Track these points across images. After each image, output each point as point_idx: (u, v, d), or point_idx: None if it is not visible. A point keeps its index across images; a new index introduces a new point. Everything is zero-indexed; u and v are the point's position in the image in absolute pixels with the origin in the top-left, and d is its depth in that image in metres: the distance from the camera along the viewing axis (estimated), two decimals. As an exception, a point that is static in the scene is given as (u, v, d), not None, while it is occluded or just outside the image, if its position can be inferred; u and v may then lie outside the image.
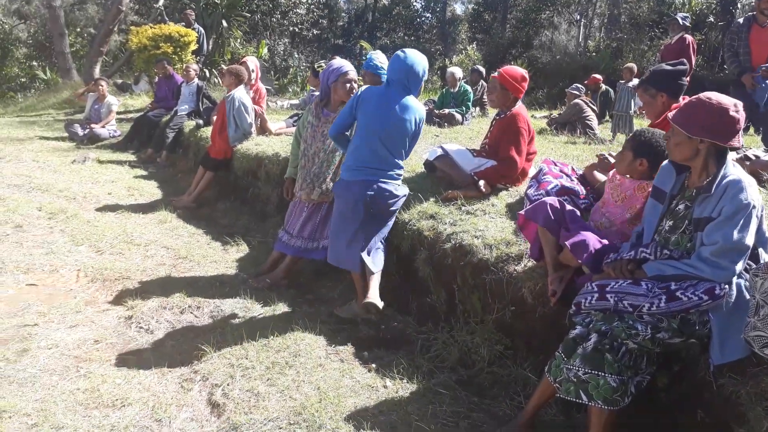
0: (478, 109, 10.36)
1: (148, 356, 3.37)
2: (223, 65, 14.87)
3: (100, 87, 9.53)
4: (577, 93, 9.26)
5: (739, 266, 2.27)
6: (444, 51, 21.02)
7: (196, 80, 8.65)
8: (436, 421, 2.72)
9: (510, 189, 4.21)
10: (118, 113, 10.56)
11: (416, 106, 3.72)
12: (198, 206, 6.31)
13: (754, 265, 2.26)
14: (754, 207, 2.27)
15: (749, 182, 2.32)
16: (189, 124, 8.35)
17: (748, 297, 2.21)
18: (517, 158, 4.09)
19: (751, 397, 2.14)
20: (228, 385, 3.06)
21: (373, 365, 3.31)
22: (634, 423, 2.54)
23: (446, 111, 8.82)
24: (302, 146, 4.32)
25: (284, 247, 4.43)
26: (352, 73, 4.14)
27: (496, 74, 4.14)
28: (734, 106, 2.36)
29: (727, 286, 2.26)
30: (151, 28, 11.58)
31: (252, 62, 7.30)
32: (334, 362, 3.35)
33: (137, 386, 3.04)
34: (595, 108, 9.32)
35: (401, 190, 3.83)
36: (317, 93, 5.48)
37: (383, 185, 3.69)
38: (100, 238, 5.06)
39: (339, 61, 4.27)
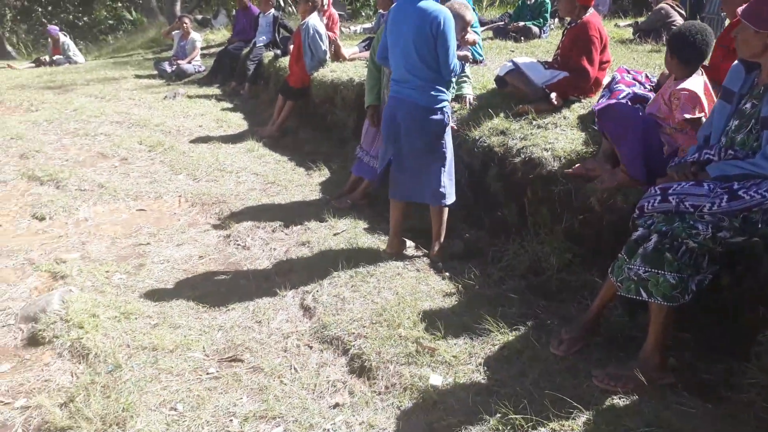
0: (557, 20, 9.92)
1: (246, 268, 3.78)
2: (296, -7, 14.93)
3: (185, 24, 9.93)
4: (664, -5, 8.63)
5: (806, 164, 2.26)
6: (522, -41, 19.87)
7: (272, 10, 8.82)
8: (506, 320, 2.94)
9: (583, 100, 4.18)
10: (201, 48, 10.99)
11: (430, 9, 3.38)
12: (281, 135, 6.65)
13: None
14: (822, 102, 2.24)
15: (818, 76, 2.27)
16: (268, 55, 8.61)
17: (815, 195, 2.21)
18: (589, 68, 4.04)
19: (813, 292, 2.20)
20: (317, 291, 3.41)
21: (447, 273, 3.56)
22: (697, 319, 2.65)
23: (522, 24, 8.54)
24: (387, 71, 4.22)
25: (362, 171, 4.67)
26: None
27: None
28: None
29: (792, 185, 2.27)
30: (225, -40, 11.75)
31: (324, -12, 7.35)
32: (411, 271, 3.62)
33: (239, 293, 3.46)
34: (683, 12, 8.69)
35: (438, 102, 3.54)
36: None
37: (412, 99, 3.52)
38: (195, 167, 5.52)
39: None
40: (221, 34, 12.93)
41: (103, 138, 6.37)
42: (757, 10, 2.32)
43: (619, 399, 2.35)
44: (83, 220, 4.42)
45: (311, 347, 2.98)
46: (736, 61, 2.57)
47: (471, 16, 3.83)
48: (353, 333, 3.00)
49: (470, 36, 3.90)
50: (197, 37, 10.21)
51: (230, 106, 8.14)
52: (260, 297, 3.44)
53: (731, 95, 2.53)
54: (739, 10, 2.39)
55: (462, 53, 3.70)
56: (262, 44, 8.72)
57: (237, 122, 7.34)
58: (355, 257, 3.75)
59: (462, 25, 3.71)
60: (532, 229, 3.63)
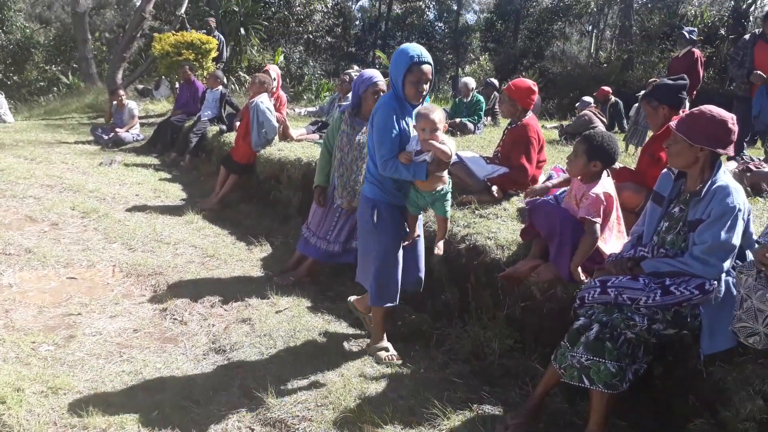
0: (489, 118, 10.62)
1: (183, 344, 3.65)
2: (240, 72, 15.26)
3: (119, 97, 9.91)
4: (585, 104, 9.50)
5: (727, 264, 2.52)
6: (456, 60, 21.32)
7: (219, 87, 8.98)
8: (452, 405, 2.96)
9: (521, 194, 4.46)
10: (140, 118, 10.92)
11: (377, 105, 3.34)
12: (222, 207, 6.60)
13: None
14: (740, 210, 2.53)
15: (736, 188, 2.58)
16: (212, 130, 8.68)
17: (735, 293, 2.45)
18: (527, 166, 4.34)
19: (737, 383, 2.38)
20: (259, 371, 3.33)
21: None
22: (632, 408, 2.78)
23: (458, 120, 9.09)
24: (338, 155, 4.32)
25: (307, 249, 4.69)
26: (381, 84, 4.17)
27: (505, 87, 4.42)
28: (731, 119, 2.62)
29: (715, 282, 2.51)
30: (173, 35, 11.95)
31: (274, 70, 7.62)
32: (356, 353, 3.61)
33: (176, 371, 3.32)
34: (604, 119, 9.56)
35: (368, 194, 3.40)
36: (343, 101, 5.75)
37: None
38: (131, 236, 5.37)
39: (370, 72, 4.31)
40: (162, 105, 12.92)
41: (32, 201, 6.11)
42: (692, 124, 2.62)
43: (564, 486, 2.40)
44: (7, 286, 4.17)
45: (253, 430, 2.88)
46: (665, 169, 2.87)
47: (438, 117, 3.15)
48: (297, 416, 2.93)
49: (435, 141, 3.15)
50: (134, 105, 10.18)
51: (169, 176, 8.05)
52: (198, 375, 3.31)
53: (661, 199, 2.81)
54: (672, 123, 2.70)
55: (421, 158, 3.17)
56: (207, 118, 8.80)
57: (175, 193, 7.25)
58: (299, 336, 3.72)
59: (424, 125, 3.13)
60: (475, 314, 3.74)
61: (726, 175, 2.66)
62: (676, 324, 2.54)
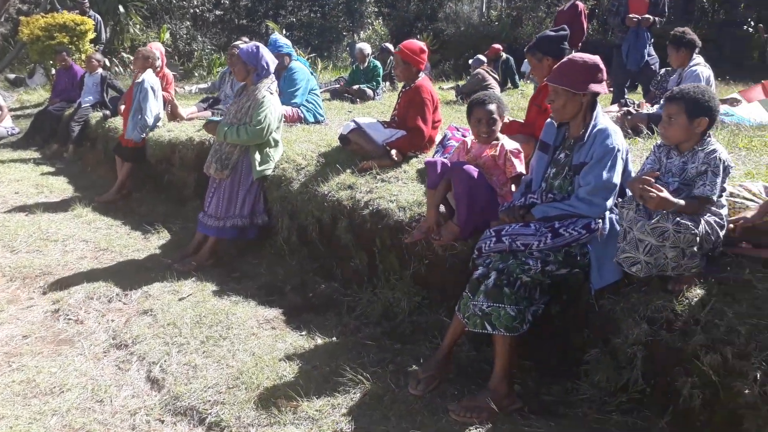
0: (388, 83, 10.62)
1: (81, 344, 3.44)
2: (123, 53, 14.32)
3: None
4: (478, 63, 9.70)
5: (610, 202, 2.66)
6: (352, 27, 21.05)
7: (99, 70, 8.38)
8: (366, 367, 2.98)
9: (419, 156, 4.49)
10: (14, 109, 10.04)
11: None
12: (122, 198, 6.24)
13: (622, 201, 2.65)
14: (618, 150, 2.66)
15: (614, 129, 2.71)
16: (95, 116, 8.11)
17: (618, 228, 2.59)
18: (423, 127, 4.37)
19: (624, 312, 2.54)
20: (165, 361, 3.20)
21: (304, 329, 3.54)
22: (535, 347, 2.91)
23: (357, 87, 9.02)
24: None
25: (204, 228, 4.57)
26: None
27: (396, 50, 4.40)
28: (598, 58, 2.73)
29: (600, 221, 2.65)
30: (42, 17, 10.98)
31: (156, 48, 7.18)
32: (267, 330, 3.55)
33: (74, 373, 3.13)
34: (496, 77, 9.81)
35: None
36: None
37: None
38: (13, 237, 4.96)
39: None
40: (38, 94, 11.93)
41: None
42: (570, 74, 2.70)
43: (476, 429, 2.49)
44: None
45: (163, 421, 2.77)
46: (548, 119, 2.97)
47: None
48: (209, 401, 2.85)
49: None
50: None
51: (52, 169, 7.49)
52: (99, 374, 3.14)
53: (547, 147, 2.91)
54: (550, 79, 2.75)
55: None
56: (88, 104, 8.21)
57: (60, 187, 6.75)
58: (205, 321, 3.60)
59: None
60: (383, 277, 3.77)
61: (604, 117, 2.78)
62: (568, 264, 2.67)
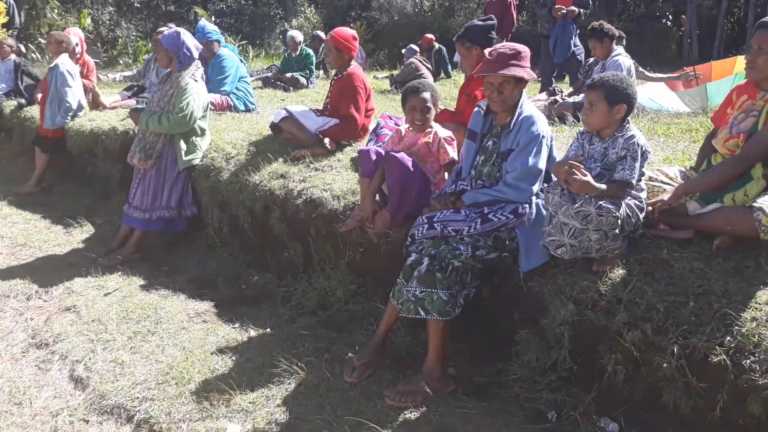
0: (322, 71, 10.52)
1: (-4, 345, 3.24)
2: (40, 39, 13.51)
3: None
4: (411, 53, 9.76)
5: (536, 187, 2.73)
6: (284, 15, 20.71)
7: (12, 56, 7.86)
8: (301, 357, 2.96)
9: (353, 144, 4.47)
10: None
11: None
12: (42, 191, 5.91)
13: (548, 186, 2.73)
14: (543, 137, 2.74)
15: (539, 116, 2.78)
16: (9, 105, 7.60)
17: (545, 213, 2.67)
18: (356, 115, 4.35)
19: (551, 293, 2.62)
20: (89, 359, 3.07)
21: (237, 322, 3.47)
22: (467, 330, 2.97)
23: (290, 75, 8.89)
24: None
25: (130, 221, 4.41)
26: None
27: (329, 37, 4.34)
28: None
29: (527, 206, 2.72)
30: (-54, -2, 10.21)
31: (75, 33, 6.80)
32: (197, 324, 3.45)
33: (-11, 375, 2.95)
34: (429, 66, 9.89)
35: None
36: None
37: None
38: None
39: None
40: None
41: None
42: (517, 63, 2.72)
43: (411, 413, 2.51)
44: None
45: (88, 421, 2.66)
46: (476, 108, 3.01)
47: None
48: (137, 398, 2.75)
49: None
50: None
51: (-39, 162, 7.01)
52: (17, 375, 2.97)
53: (475, 135, 2.96)
54: (497, 69, 2.71)
55: None
56: (1, 93, 7.69)
57: (-29, 180, 6.33)
58: (133, 317, 3.47)
59: None
60: (318, 266, 3.74)
61: (529, 105, 2.85)
62: (497, 248, 2.73)
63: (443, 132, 3.37)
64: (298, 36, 9.48)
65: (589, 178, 2.39)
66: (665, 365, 2.18)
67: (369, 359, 2.82)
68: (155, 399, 2.72)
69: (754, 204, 2.43)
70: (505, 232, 2.72)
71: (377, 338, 2.91)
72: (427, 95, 3.27)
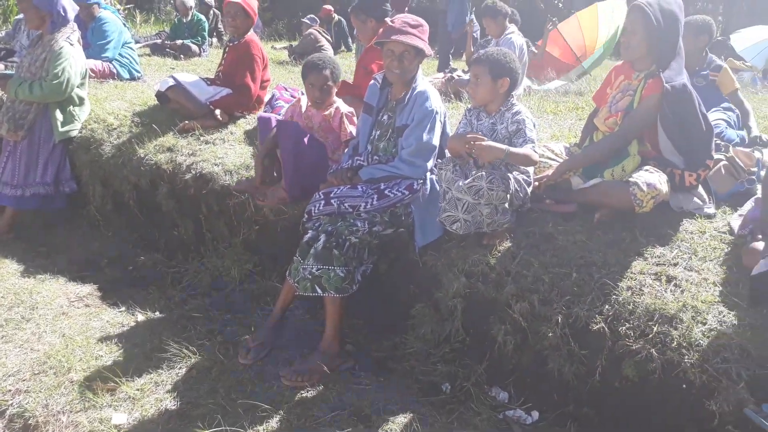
0: (215, 39, 10.05)
1: None
2: None
3: None
4: (310, 23, 9.54)
5: (430, 163, 2.76)
6: (174, -22, 19.56)
7: None
8: (192, 341, 2.84)
9: (247, 116, 4.31)
10: None
11: None
12: None
13: (442, 162, 2.76)
14: (437, 113, 2.76)
15: (432, 92, 2.80)
16: None
17: (438, 189, 2.70)
18: (252, 85, 4.17)
19: (445, 267, 2.67)
20: (-49, 352, 2.78)
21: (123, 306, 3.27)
22: (365, 306, 2.97)
23: (180, 42, 8.41)
24: None
25: (1, 199, 4.02)
26: None
27: (238, 0, 4.07)
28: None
29: (422, 182, 2.74)
30: None
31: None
32: (79, 308, 3.23)
33: None
34: (329, 38, 9.73)
35: None
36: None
37: None
38: None
39: None
40: None
41: None
42: (419, 35, 2.70)
43: (307, 392, 2.49)
44: None
45: (-52, 420, 2.42)
46: (372, 81, 2.98)
47: None
48: (9, 390, 2.56)
49: None
50: None
51: None
52: None
53: (371, 109, 2.92)
54: (403, 38, 2.66)
55: None
56: None
57: None
58: (4, 303, 3.18)
59: None
60: (211, 245, 3.60)
61: (424, 81, 2.85)
62: (393, 224, 2.74)
63: (345, 108, 3.31)
64: (189, 0, 8.96)
65: (492, 142, 2.45)
66: (550, 334, 2.30)
67: (265, 339, 2.77)
68: (30, 391, 2.53)
69: (630, 179, 2.60)
70: (401, 208, 2.73)
71: (273, 318, 2.85)
72: (327, 73, 3.17)
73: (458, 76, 6.02)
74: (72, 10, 4.09)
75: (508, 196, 2.53)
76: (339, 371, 2.62)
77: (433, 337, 2.64)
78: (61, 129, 4.06)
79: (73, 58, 4.00)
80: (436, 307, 2.65)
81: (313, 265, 2.61)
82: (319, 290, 2.60)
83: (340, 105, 3.32)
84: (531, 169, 2.73)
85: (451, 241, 2.74)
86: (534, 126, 2.70)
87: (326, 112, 3.28)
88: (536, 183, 2.79)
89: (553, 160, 3.02)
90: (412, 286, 2.83)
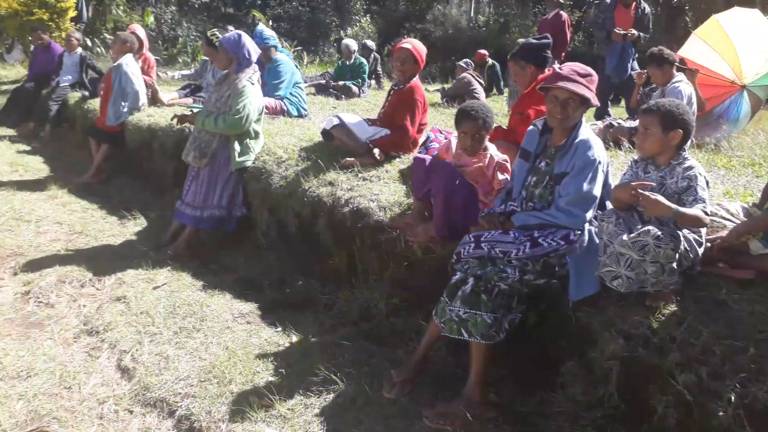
0: (374, 81, 10.60)
1: (50, 329, 3.37)
2: (106, 34, 14.05)
3: None
4: (465, 67, 9.73)
5: (589, 214, 2.68)
6: (339, 23, 20.97)
7: (79, 50, 8.20)
8: (340, 368, 2.96)
9: (402, 156, 4.48)
10: (-10, 84, 9.77)
11: None
12: (100, 181, 6.13)
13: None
14: (599, 163, 2.68)
15: (596, 141, 2.73)
16: (73, 96, 7.94)
17: (597, 241, 2.61)
18: (410, 128, 4.35)
19: (601, 326, 2.55)
20: (136, 350, 3.15)
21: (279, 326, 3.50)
22: (510, 356, 2.92)
23: (342, 83, 8.98)
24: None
25: (182, 217, 4.52)
26: None
27: (408, 46, 4.27)
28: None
29: (579, 232, 2.66)
30: (22, -9, 10.72)
31: (140, 31, 7.06)
32: (241, 324, 3.51)
33: (42, 357, 3.06)
34: (482, 82, 9.85)
35: None
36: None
37: None
38: (-16, 215, 4.84)
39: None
40: (16, 71, 11.64)
41: None
42: (586, 83, 2.67)
43: (449, 437, 2.49)
44: None
45: (132, 412, 2.73)
46: (531, 126, 2.98)
47: None
48: (180, 393, 2.81)
49: None
50: None
51: (28, 148, 7.33)
52: (69, 360, 3.08)
53: (528, 155, 2.92)
54: (568, 85, 2.64)
55: None
56: (67, 84, 8.03)
57: (36, 167, 6.61)
58: (179, 312, 3.55)
59: None
60: (362, 277, 3.75)
61: (586, 129, 2.80)
62: (546, 274, 2.68)
63: (499, 156, 3.29)
64: (353, 45, 9.58)
65: (662, 198, 2.33)
66: (721, 413, 2.08)
67: (408, 376, 2.81)
68: (197, 396, 2.77)
69: (823, 249, 2.33)
70: (555, 258, 2.67)
71: (418, 356, 2.89)
72: (480, 122, 3.17)
73: (618, 123, 5.79)
74: (255, 53, 4.57)
75: (677, 255, 2.38)
76: (482, 420, 2.59)
77: (584, 399, 2.51)
78: (237, 159, 4.51)
79: (253, 96, 4.46)
80: (589, 367, 2.53)
81: (460, 308, 2.62)
82: (465, 334, 2.61)
83: (494, 152, 3.31)
84: (703, 229, 2.55)
85: (608, 298, 2.61)
86: (707, 184, 2.53)
87: (479, 162, 3.30)
88: (709, 244, 2.60)
89: (729, 220, 2.79)
90: (563, 341, 2.73)
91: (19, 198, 5.37)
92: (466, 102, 3.47)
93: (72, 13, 11.07)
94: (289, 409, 2.67)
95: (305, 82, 9.16)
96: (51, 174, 6.33)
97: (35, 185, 5.82)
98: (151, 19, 15.72)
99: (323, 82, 9.47)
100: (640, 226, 2.41)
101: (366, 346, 3.25)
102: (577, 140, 2.72)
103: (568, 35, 8.60)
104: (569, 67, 2.75)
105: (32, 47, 9.61)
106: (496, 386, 2.85)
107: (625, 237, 2.38)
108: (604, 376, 2.44)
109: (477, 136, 3.21)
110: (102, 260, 4.25)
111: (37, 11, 10.40)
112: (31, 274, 3.92)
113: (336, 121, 4.60)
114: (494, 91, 11.11)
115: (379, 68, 11.17)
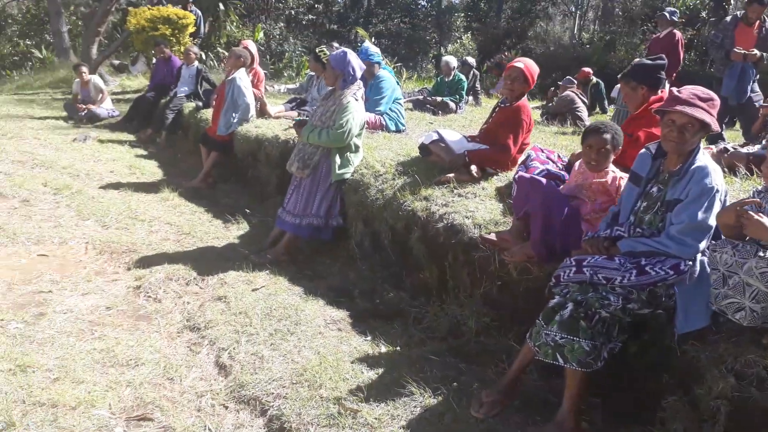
0: (471, 97, 10.57)
1: (157, 322, 3.60)
2: (219, 48, 14.98)
3: (82, 74, 9.48)
4: (567, 84, 9.50)
5: (703, 244, 2.52)
6: (439, 39, 21.13)
7: (196, 63, 8.79)
8: (428, 382, 2.95)
9: (500, 174, 4.43)
10: (116, 93, 10.65)
11: None
12: (208, 186, 6.52)
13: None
14: (717, 191, 2.52)
15: (714, 168, 2.57)
16: (188, 106, 8.51)
17: (709, 272, 2.45)
18: (511, 147, 4.29)
19: (709, 361, 2.39)
20: (234, 348, 3.29)
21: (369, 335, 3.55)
22: (607, 386, 2.79)
23: (440, 99, 9.03)
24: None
25: (282, 224, 4.70)
26: None
27: (520, 65, 4.26)
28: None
29: (690, 262, 2.51)
30: (149, 9, 11.66)
31: (252, 46, 7.47)
32: (333, 331, 3.58)
33: (149, 348, 3.27)
34: (585, 100, 9.57)
35: None
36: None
37: None
38: (105, 213, 5.26)
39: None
40: (138, 81, 12.66)
41: (2, 177, 5.95)
42: (708, 108, 2.55)
43: (538, 462, 2.41)
44: (-26, 263, 4.06)
45: (227, 407, 2.85)
46: (643, 149, 2.85)
47: None
48: (272, 393, 2.91)
49: None
50: (99, 80, 9.86)
51: (145, 153, 7.91)
52: (172, 353, 3.27)
53: (639, 179, 2.79)
54: (687, 109, 2.53)
55: None
56: (183, 94, 8.63)
57: (151, 170, 7.12)
58: (275, 314, 3.68)
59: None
60: (452, 292, 3.73)
61: (704, 155, 2.64)
62: (651, 303, 2.55)
63: (624, 175, 3.19)
64: (453, 62, 9.61)
65: (765, 219, 2.16)
66: None
67: (498, 397, 2.75)
68: (288, 398, 2.85)
69: None
70: (663, 287, 2.53)
71: (509, 377, 2.83)
72: (608, 137, 3.13)
73: (734, 148, 5.42)
74: (360, 69, 4.70)
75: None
76: (573, 448, 2.49)
77: (687, 437, 2.37)
78: (337, 171, 4.64)
79: (356, 111, 4.58)
80: (694, 404, 2.37)
81: (557, 333, 2.54)
82: (560, 360, 2.53)
83: (617, 172, 3.24)
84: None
85: (718, 333, 2.44)
86: None
87: (602, 179, 3.21)
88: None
89: None
90: (666, 375, 2.58)
91: (135, 199, 5.80)
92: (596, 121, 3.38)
93: (191, 29, 11.89)
94: (376, 419, 2.69)
95: (404, 97, 9.32)
96: (164, 178, 6.80)
97: (150, 187, 6.27)
98: (261, 34, 16.57)
99: (421, 97, 9.57)
100: (762, 254, 2.23)
101: (454, 362, 3.22)
102: (693, 166, 2.58)
103: (681, 54, 8.19)
104: (689, 91, 2.61)
105: (154, 60, 10.41)
106: (589, 414, 2.74)
107: (753, 265, 2.21)
108: (710, 416, 2.28)
109: (602, 150, 3.15)
110: (206, 260, 4.50)
111: (161, 27, 11.26)
112: (142, 270, 4.22)
113: (435, 136, 4.63)
114: (597, 109, 10.76)
115: (478, 85, 11.14)
